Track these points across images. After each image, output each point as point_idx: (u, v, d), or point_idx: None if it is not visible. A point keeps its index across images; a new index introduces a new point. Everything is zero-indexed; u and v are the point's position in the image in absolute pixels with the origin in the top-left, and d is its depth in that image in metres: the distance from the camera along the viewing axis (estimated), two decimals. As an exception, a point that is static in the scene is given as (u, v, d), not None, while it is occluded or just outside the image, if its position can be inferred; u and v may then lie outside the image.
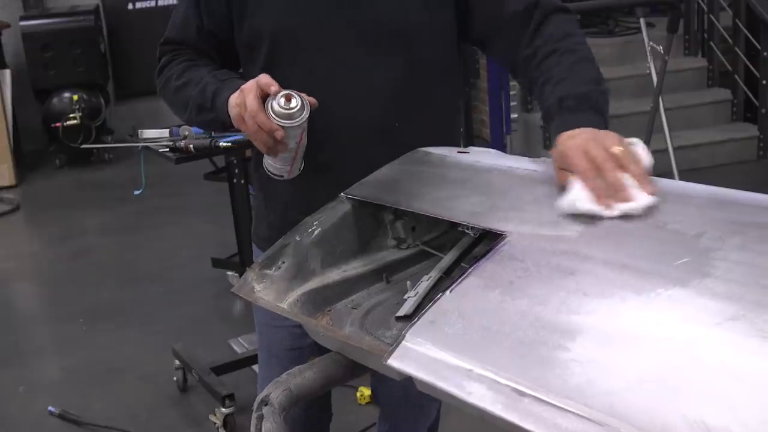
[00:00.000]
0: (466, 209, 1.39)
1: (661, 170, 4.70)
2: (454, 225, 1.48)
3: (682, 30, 6.45)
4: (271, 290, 1.44)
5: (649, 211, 1.23)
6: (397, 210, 1.52)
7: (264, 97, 1.52)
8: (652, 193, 1.23)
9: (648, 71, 5.08)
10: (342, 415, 3.24)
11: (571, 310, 1.07)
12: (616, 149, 1.29)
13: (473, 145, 4.74)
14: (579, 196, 1.25)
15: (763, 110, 6.01)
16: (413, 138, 1.69)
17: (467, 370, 1.04)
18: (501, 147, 5.38)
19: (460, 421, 3.15)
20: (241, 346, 3.87)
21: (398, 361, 1.13)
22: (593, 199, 1.24)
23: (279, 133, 1.51)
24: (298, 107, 1.51)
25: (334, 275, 1.48)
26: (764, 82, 5.91)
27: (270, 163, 1.64)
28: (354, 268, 1.51)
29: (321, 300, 1.43)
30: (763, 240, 1.11)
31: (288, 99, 1.50)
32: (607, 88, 1.56)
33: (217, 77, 1.72)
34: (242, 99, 1.53)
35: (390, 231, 1.57)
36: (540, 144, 6.15)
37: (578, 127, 1.39)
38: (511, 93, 5.97)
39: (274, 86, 1.52)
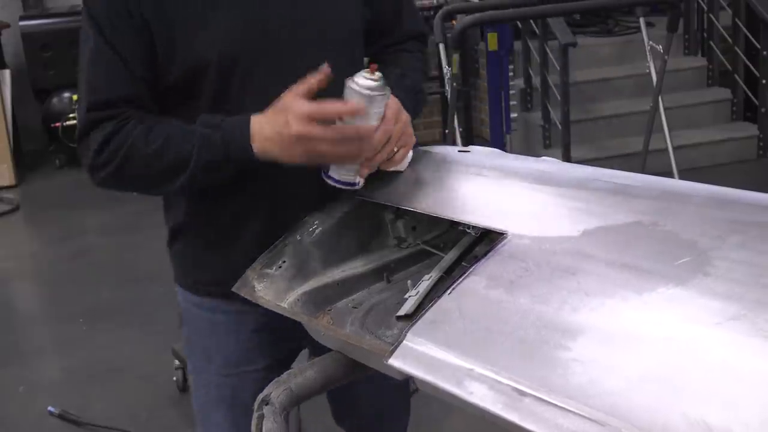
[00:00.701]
0: (466, 208, 1.39)
1: (661, 170, 4.70)
2: (454, 224, 1.48)
3: (682, 29, 6.45)
4: (271, 289, 1.44)
5: (649, 211, 1.23)
6: (398, 209, 1.53)
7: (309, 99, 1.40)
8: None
9: (648, 71, 5.09)
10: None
11: (572, 310, 1.07)
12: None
13: (473, 144, 4.74)
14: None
15: (763, 109, 6.00)
16: None
17: (468, 369, 1.04)
18: (501, 146, 5.37)
19: (461, 421, 3.16)
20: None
21: (399, 361, 1.13)
22: None
23: (366, 131, 1.42)
24: (381, 77, 1.41)
25: (335, 274, 1.48)
26: (764, 81, 5.91)
27: (339, 173, 1.48)
28: (354, 267, 1.51)
29: (322, 299, 1.43)
30: (763, 239, 1.11)
31: (372, 70, 1.40)
32: (422, 97, 1.71)
33: (206, 124, 1.47)
34: (305, 141, 1.39)
35: (391, 230, 1.58)
36: (540, 143, 6.14)
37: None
38: (511, 92, 5.97)
39: (350, 108, 1.40)
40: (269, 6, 1.53)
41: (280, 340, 1.69)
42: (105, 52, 1.49)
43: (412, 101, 1.59)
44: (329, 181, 1.48)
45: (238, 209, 1.59)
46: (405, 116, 1.50)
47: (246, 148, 1.44)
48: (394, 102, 1.46)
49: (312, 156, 1.41)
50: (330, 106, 1.39)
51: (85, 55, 1.51)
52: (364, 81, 1.39)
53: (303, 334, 1.55)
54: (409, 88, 1.62)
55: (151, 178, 1.52)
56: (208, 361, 1.71)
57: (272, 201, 1.58)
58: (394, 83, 1.48)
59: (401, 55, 1.72)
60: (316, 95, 1.42)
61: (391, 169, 1.52)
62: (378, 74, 1.40)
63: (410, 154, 1.55)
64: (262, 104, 1.46)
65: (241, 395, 1.67)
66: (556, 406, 0.94)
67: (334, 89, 1.43)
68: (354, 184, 1.48)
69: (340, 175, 1.47)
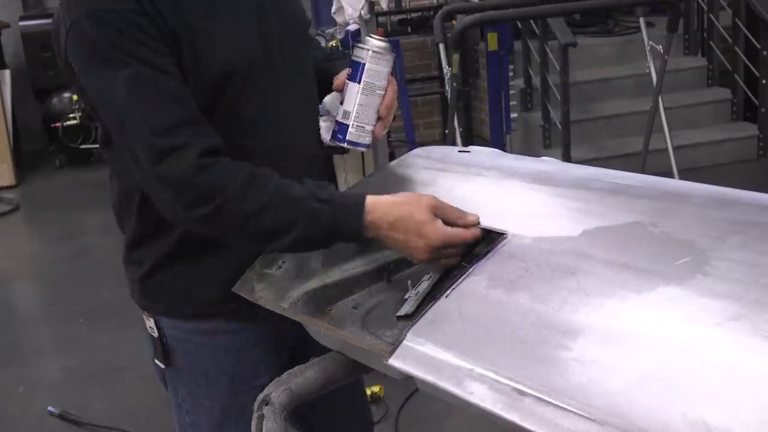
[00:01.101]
0: (467, 209, 1.39)
1: (661, 170, 4.70)
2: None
3: (682, 29, 6.45)
4: (271, 290, 1.44)
5: (649, 212, 1.23)
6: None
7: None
8: None
9: (648, 71, 5.09)
10: (342, 415, 3.24)
11: (572, 310, 1.07)
12: None
13: (473, 144, 4.74)
14: None
15: (763, 109, 6.00)
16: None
17: (468, 369, 1.04)
18: (501, 146, 5.37)
19: (462, 421, 3.16)
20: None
21: (399, 361, 1.13)
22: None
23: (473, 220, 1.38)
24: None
25: (335, 275, 1.48)
26: (764, 81, 5.91)
27: (357, 135, 1.50)
28: (355, 267, 1.51)
29: (322, 299, 1.43)
30: (763, 239, 1.11)
31: (380, 34, 1.51)
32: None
33: (315, 196, 1.39)
34: (434, 254, 1.36)
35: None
36: (540, 143, 6.14)
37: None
38: (511, 92, 5.97)
39: (467, 234, 1.36)
40: (266, 11, 1.53)
41: (279, 350, 1.67)
42: (150, 75, 1.37)
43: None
44: (341, 143, 1.50)
45: None
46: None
47: (357, 230, 1.38)
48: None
49: (434, 259, 1.38)
50: (465, 233, 1.35)
51: (121, 85, 1.36)
52: (378, 42, 1.46)
53: (299, 340, 1.58)
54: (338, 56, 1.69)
55: (243, 235, 1.43)
56: (209, 385, 1.65)
57: None
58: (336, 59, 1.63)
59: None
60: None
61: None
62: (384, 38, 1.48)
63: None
64: (278, 103, 1.51)
65: (246, 412, 1.58)
66: (556, 406, 0.94)
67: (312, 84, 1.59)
68: (369, 145, 1.53)
69: (358, 137, 1.50)
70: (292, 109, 1.57)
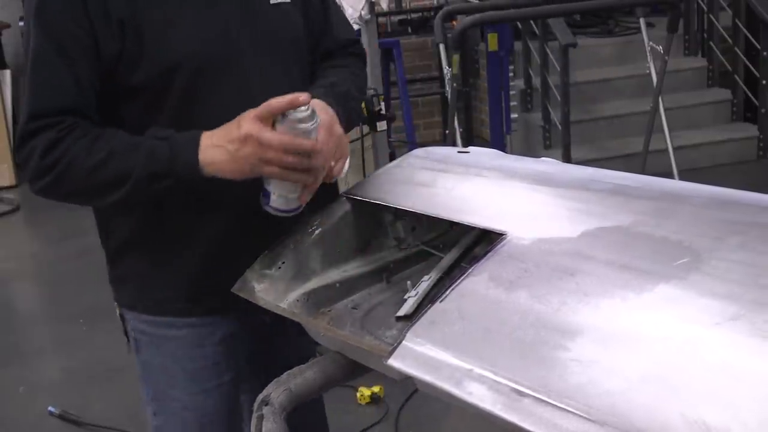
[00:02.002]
0: (466, 209, 1.39)
1: (661, 170, 4.71)
2: (454, 225, 1.48)
3: (682, 30, 6.45)
4: (271, 290, 1.44)
5: (649, 212, 1.23)
6: (398, 210, 1.52)
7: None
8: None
9: (648, 71, 5.09)
10: (342, 415, 3.25)
11: (571, 310, 1.07)
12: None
13: (473, 145, 4.75)
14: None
15: (763, 110, 6.00)
16: None
17: (467, 370, 1.04)
18: (501, 147, 5.38)
19: (461, 421, 3.16)
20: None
21: (398, 361, 1.13)
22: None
23: (317, 146, 1.40)
24: (309, 109, 1.38)
25: (335, 275, 1.49)
26: (764, 82, 5.91)
27: (283, 198, 1.44)
28: (354, 268, 1.51)
29: (321, 300, 1.44)
30: (762, 240, 1.11)
31: (297, 104, 1.37)
32: (355, 105, 1.68)
33: (154, 136, 1.44)
34: (254, 142, 1.36)
35: (390, 231, 1.58)
36: (540, 144, 6.14)
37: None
38: (511, 93, 5.97)
39: (282, 100, 1.36)
40: (229, 13, 1.52)
41: (247, 349, 1.67)
42: (50, 56, 1.44)
43: (345, 109, 1.56)
44: (270, 210, 1.45)
45: (192, 217, 1.55)
46: (338, 130, 1.49)
47: (193, 162, 1.40)
48: (326, 117, 1.45)
49: (259, 164, 1.38)
50: (276, 101, 1.36)
51: (29, 58, 1.45)
52: (300, 115, 1.37)
53: (261, 340, 1.62)
54: (341, 95, 1.58)
55: (92, 189, 1.46)
56: (170, 385, 1.66)
57: (226, 208, 1.54)
58: (324, 92, 1.52)
59: (336, 69, 1.69)
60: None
61: (329, 181, 1.50)
62: (303, 108, 1.37)
63: (347, 163, 1.53)
64: (227, 108, 1.44)
65: (210, 412, 1.65)
66: (555, 406, 0.94)
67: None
68: (297, 209, 1.46)
69: (281, 202, 1.44)
70: None
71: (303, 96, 1.36)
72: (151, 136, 1.44)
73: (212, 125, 1.43)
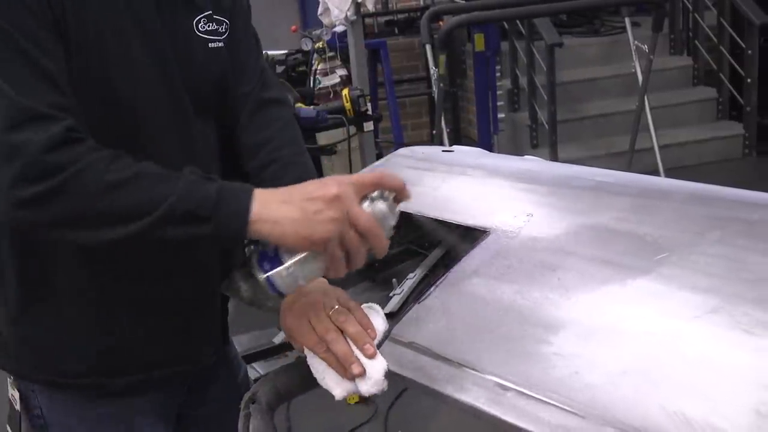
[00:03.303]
0: (450, 207, 1.40)
1: (647, 168, 4.73)
2: (438, 222, 1.49)
3: (668, 29, 6.48)
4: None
5: (630, 208, 1.25)
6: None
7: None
8: (371, 356, 1.15)
9: (633, 70, 5.12)
10: (331, 415, 3.25)
11: (553, 305, 1.08)
12: (336, 307, 1.22)
13: (461, 144, 4.76)
14: (321, 375, 1.20)
15: (748, 108, 6.04)
16: None
17: (451, 365, 1.05)
18: (488, 146, 5.40)
19: (451, 419, 3.17)
20: (237, 344, 3.86)
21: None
22: (332, 376, 1.19)
23: (386, 244, 1.18)
24: (398, 213, 1.21)
25: (321, 274, 1.49)
26: (749, 80, 5.95)
27: (293, 278, 1.19)
28: (340, 266, 1.51)
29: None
30: (741, 234, 1.12)
31: (401, 199, 1.20)
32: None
33: (196, 173, 1.18)
34: (343, 209, 1.13)
35: (376, 229, 1.58)
36: (527, 143, 6.17)
37: None
38: (498, 93, 5.99)
39: (398, 180, 1.18)
40: (171, 61, 1.35)
41: (170, 414, 1.54)
42: (27, 55, 1.18)
43: None
44: (262, 279, 1.20)
45: (123, 273, 1.34)
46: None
47: (243, 212, 1.14)
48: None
49: (333, 237, 1.13)
50: (386, 177, 1.18)
51: None
52: (384, 209, 1.17)
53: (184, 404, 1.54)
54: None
55: (100, 214, 1.14)
56: None
57: (166, 274, 1.38)
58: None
59: (277, 169, 1.45)
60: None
61: None
62: (398, 209, 1.20)
63: None
64: (151, 157, 1.23)
65: None
66: (537, 399, 0.96)
67: (201, 146, 1.40)
68: (284, 296, 1.26)
69: (287, 281, 1.19)
70: (161, 149, 1.35)
71: (410, 189, 1.20)
72: (194, 172, 1.18)
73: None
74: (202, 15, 1.41)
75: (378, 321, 1.21)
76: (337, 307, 1.21)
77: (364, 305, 1.25)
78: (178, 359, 1.48)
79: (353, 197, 1.14)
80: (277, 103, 1.54)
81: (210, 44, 1.42)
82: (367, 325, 1.19)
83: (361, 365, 1.14)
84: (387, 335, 1.18)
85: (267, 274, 1.18)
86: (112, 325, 1.37)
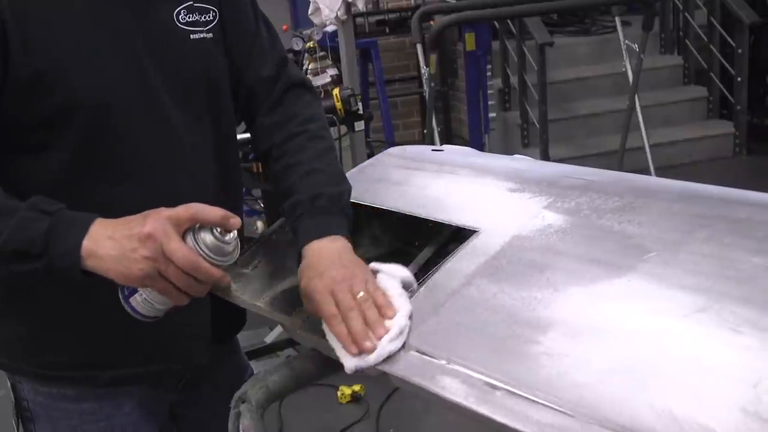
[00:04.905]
0: (439, 207, 1.41)
1: (638, 167, 4.75)
2: (429, 222, 1.49)
3: (658, 28, 6.50)
4: (247, 289, 1.44)
5: (619, 207, 1.25)
6: (373, 208, 1.53)
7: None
8: (380, 337, 1.15)
9: (624, 69, 5.13)
10: (323, 414, 3.26)
11: (542, 305, 1.08)
12: (361, 293, 1.22)
13: (452, 144, 4.76)
14: (336, 344, 1.20)
15: (739, 107, 6.06)
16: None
17: (440, 364, 1.06)
18: (479, 146, 5.40)
19: (442, 419, 3.17)
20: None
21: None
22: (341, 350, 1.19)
23: (227, 279, 1.21)
24: (234, 240, 1.20)
25: (311, 274, 1.49)
26: (739, 79, 5.97)
27: (150, 304, 1.22)
28: (330, 266, 1.51)
29: (297, 298, 1.43)
30: (729, 233, 1.12)
31: (225, 230, 1.18)
32: (350, 186, 1.44)
33: (35, 207, 1.18)
34: (156, 248, 1.13)
35: (365, 229, 1.58)
36: (518, 142, 6.18)
37: (327, 233, 1.32)
38: (489, 92, 6.00)
39: (215, 212, 1.17)
40: (139, 45, 1.34)
41: (158, 412, 1.55)
42: None
43: (341, 206, 1.38)
44: (127, 308, 1.23)
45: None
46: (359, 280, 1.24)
47: (73, 249, 1.15)
48: (341, 273, 1.25)
49: (152, 274, 1.14)
50: (204, 210, 1.17)
51: None
52: (212, 241, 1.17)
53: (178, 402, 1.55)
54: (333, 196, 1.38)
55: None
56: None
57: None
58: (309, 208, 1.35)
59: (299, 141, 1.47)
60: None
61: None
62: (232, 234, 1.19)
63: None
64: (132, 157, 1.31)
65: None
66: (526, 398, 0.96)
67: (193, 145, 1.39)
68: (155, 319, 1.26)
69: (146, 308, 1.22)
70: (163, 162, 1.37)
71: (236, 220, 1.17)
72: (33, 206, 1.18)
73: (118, 184, 1.30)
74: (182, 6, 1.39)
75: (401, 302, 1.20)
76: (362, 294, 1.21)
77: (386, 269, 1.26)
78: (164, 356, 1.48)
79: (169, 233, 1.13)
80: (302, 85, 1.56)
81: (192, 36, 1.40)
82: (388, 316, 1.18)
83: (373, 342, 1.15)
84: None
85: (125, 302, 1.22)
86: (93, 319, 1.37)
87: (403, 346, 1.13)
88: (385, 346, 1.13)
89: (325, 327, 1.23)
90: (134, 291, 1.21)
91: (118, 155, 1.33)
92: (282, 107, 1.51)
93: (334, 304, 1.21)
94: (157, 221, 1.14)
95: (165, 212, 1.15)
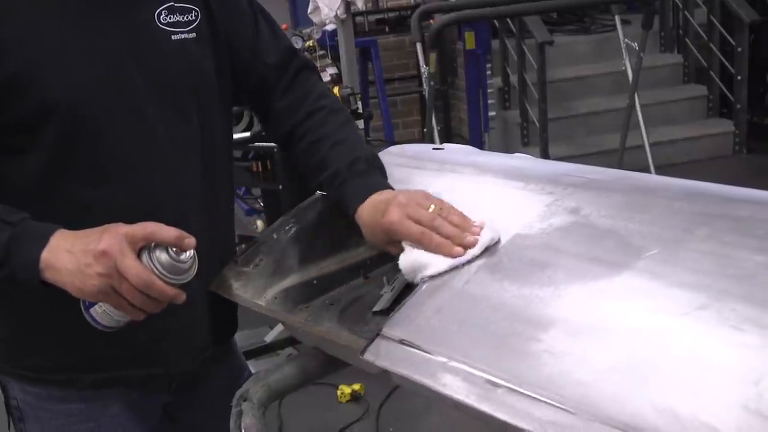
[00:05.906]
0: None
1: (638, 166, 4.75)
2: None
3: (658, 27, 6.51)
4: (248, 288, 1.45)
5: (619, 205, 1.25)
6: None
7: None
8: (473, 231, 1.24)
9: (624, 68, 5.13)
10: (323, 413, 3.26)
11: (543, 303, 1.08)
12: (433, 206, 1.28)
13: (452, 143, 4.75)
14: (425, 262, 1.24)
15: (738, 106, 6.06)
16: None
17: (442, 362, 1.06)
18: (479, 144, 5.40)
19: (442, 417, 3.17)
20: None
21: (374, 355, 1.14)
22: (438, 257, 1.23)
23: (182, 297, 1.22)
24: (190, 260, 1.22)
25: (312, 272, 1.49)
26: (739, 77, 5.97)
27: (109, 316, 1.25)
28: (331, 264, 1.52)
29: (299, 296, 1.44)
30: (730, 231, 1.12)
31: (180, 250, 1.20)
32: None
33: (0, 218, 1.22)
34: (110, 264, 1.15)
35: (366, 228, 1.58)
36: (518, 141, 6.18)
37: (374, 190, 1.38)
38: (489, 91, 6.00)
39: (170, 232, 1.19)
40: (119, 46, 1.34)
41: (148, 414, 1.54)
42: None
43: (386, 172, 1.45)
44: (87, 318, 1.25)
45: None
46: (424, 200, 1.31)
47: (31, 261, 1.18)
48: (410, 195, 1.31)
49: (106, 290, 1.17)
50: (160, 231, 1.19)
51: None
52: (167, 260, 1.19)
53: (171, 404, 1.54)
54: (379, 163, 1.46)
55: None
56: None
57: None
58: (349, 169, 1.41)
59: (319, 117, 1.52)
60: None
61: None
62: (188, 253, 1.21)
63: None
64: (114, 158, 1.32)
65: None
66: (527, 396, 0.96)
67: (180, 148, 1.39)
68: (115, 329, 1.28)
69: (105, 318, 1.25)
70: (146, 166, 1.38)
71: (190, 240, 1.20)
72: None
73: (99, 186, 1.31)
74: (162, 6, 1.39)
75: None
76: (433, 207, 1.27)
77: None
78: (145, 361, 1.47)
79: (124, 250, 1.16)
80: (308, 68, 1.61)
81: (173, 36, 1.40)
82: (466, 226, 1.24)
83: (473, 234, 1.22)
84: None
85: (86, 312, 1.25)
86: (71, 324, 1.34)
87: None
88: (486, 233, 1.21)
89: (405, 254, 1.27)
90: (93, 302, 1.23)
91: (97, 156, 1.34)
92: (294, 89, 1.55)
93: (415, 224, 1.25)
94: (113, 237, 1.16)
95: (122, 228, 1.18)
